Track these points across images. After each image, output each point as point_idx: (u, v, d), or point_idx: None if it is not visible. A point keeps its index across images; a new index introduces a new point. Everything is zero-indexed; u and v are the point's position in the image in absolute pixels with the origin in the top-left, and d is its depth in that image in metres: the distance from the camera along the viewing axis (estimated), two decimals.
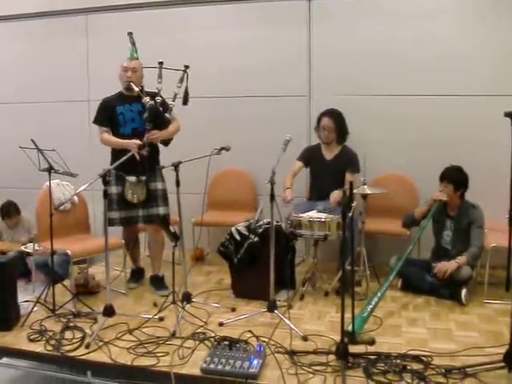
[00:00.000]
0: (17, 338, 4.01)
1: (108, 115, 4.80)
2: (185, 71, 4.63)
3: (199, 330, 4.00)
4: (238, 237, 4.72)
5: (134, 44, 4.83)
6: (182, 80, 4.61)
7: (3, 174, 7.21)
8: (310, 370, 3.38)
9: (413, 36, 5.57)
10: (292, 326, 3.94)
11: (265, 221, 4.69)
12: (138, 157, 4.50)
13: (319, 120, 5.37)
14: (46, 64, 6.88)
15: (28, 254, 6.22)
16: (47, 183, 4.91)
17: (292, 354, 3.58)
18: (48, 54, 6.87)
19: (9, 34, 7.08)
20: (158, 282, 5.00)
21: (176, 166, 4.21)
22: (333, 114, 5.33)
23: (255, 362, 3.37)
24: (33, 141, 4.52)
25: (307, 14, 5.88)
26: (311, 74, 5.92)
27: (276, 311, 4.10)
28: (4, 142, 6.98)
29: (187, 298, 4.31)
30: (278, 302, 4.23)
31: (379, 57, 5.67)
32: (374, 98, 5.70)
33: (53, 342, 3.88)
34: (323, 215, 4.65)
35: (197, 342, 3.79)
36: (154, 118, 4.62)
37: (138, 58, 4.83)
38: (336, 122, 5.30)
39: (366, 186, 4.61)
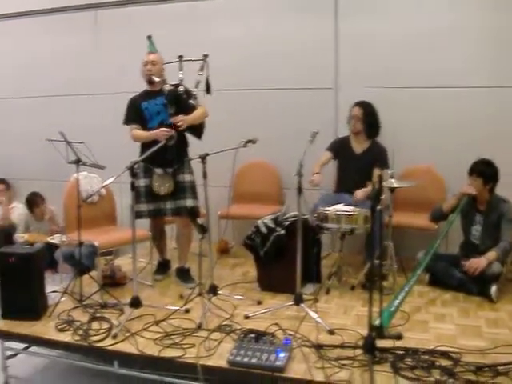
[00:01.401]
0: (45, 328, 4.05)
1: (135, 113, 4.83)
2: (204, 60, 4.62)
3: (225, 323, 3.99)
4: (264, 230, 4.71)
5: (153, 45, 4.85)
6: (202, 68, 4.61)
7: (32, 167, 7.29)
8: (336, 364, 3.35)
9: (446, 25, 5.47)
10: (318, 319, 3.92)
11: (291, 214, 4.68)
12: (168, 143, 4.49)
13: (350, 110, 5.35)
14: (74, 58, 6.93)
15: (55, 245, 6.29)
16: (75, 175, 4.95)
17: (318, 347, 3.56)
18: (74, 49, 6.92)
19: (34, 29, 7.14)
20: (184, 274, 5.02)
21: (203, 158, 4.20)
22: (363, 104, 5.32)
23: (282, 355, 3.37)
24: (61, 133, 4.54)
25: (334, 2, 5.82)
26: (338, 65, 5.87)
27: (302, 304, 4.09)
28: (33, 135, 7.03)
29: (213, 290, 4.32)
30: (304, 296, 4.21)
31: (410, 47, 5.59)
32: (403, 90, 5.64)
33: (80, 332, 3.91)
34: (350, 209, 4.62)
35: (223, 335, 3.78)
36: (174, 101, 4.62)
37: (157, 52, 4.85)
38: (365, 113, 5.27)
39: (393, 180, 4.57)
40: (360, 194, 4.96)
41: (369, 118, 5.29)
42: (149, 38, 4.81)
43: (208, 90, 4.61)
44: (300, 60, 5.96)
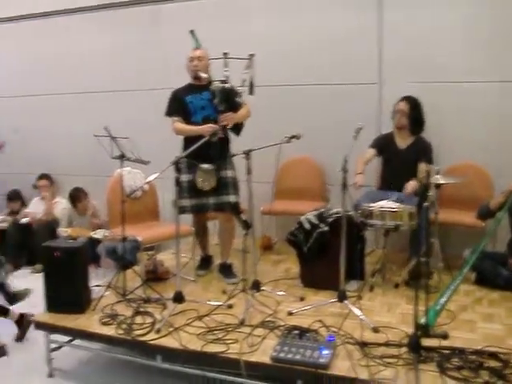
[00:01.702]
0: (89, 321, 4.10)
1: (178, 105, 4.84)
2: (250, 59, 4.61)
3: (268, 319, 3.97)
4: (307, 226, 4.67)
5: (196, 40, 4.84)
6: (248, 67, 4.59)
7: (75, 163, 7.39)
8: (381, 362, 3.31)
9: (498, 16, 5.36)
10: (362, 316, 3.88)
11: (335, 210, 4.64)
12: (212, 139, 4.47)
13: (396, 105, 5.28)
14: (119, 54, 7.01)
15: (97, 240, 6.37)
16: (119, 170, 4.98)
17: (363, 345, 3.51)
18: (123, 45, 6.98)
19: (74, 25, 7.23)
20: (226, 270, 5.02)
21: (247, 154, 4.19)
22: (409, 99, 5.24)
23: (325, 352, 3.33)
24: (106, 128, 4.58)
25: None
26: (382, 60, 5.79)
27: (346, 301, 4.05)
28: (77, 131, 7.13)
29: (257, 286, 4.31)
30: (347, 293, 4.16)
31: (457, 42, 5.49)
32: (450, 85, 5.53)
33: (124, 326, 3.94)
34: (395, 205, 4.55)
35: (266, 331, 3.76)
36: (224, 100, 4.61)
37: (202, 48, 4.86)
38: (410, 108, 5.20)
39: (439, 176, 4.49)
40: (411, 186, 4.87)
41: (414, 113, 5.21)
42: (191, 32, 4.80)
43: (251, 90, 4.59)
44: (344, 55, 5.89)
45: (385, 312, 4.18)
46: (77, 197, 7.06)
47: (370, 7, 5.77)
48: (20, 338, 4.63)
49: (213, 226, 5.45)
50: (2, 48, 7.84)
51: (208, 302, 4.29)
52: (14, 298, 5.09)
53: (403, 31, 5.67)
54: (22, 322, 4.63)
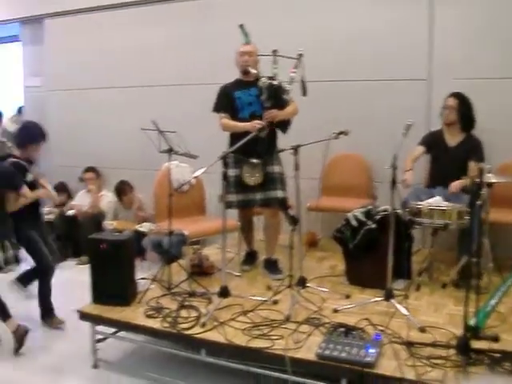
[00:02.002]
0: (134, 314, 4.13)
1: (226, 101, 4.84)
2: (299, 59, 4.58)
3: (313, 316, 3.94)
4: (354, 223, 4.62)
5: (246, 35, 4.82)
6: (296, 67, 4.57)
7: (122, 156, 7.46)
8: (428, 362, 3.24)
9: None
10: (409, 316, 3.81)
11: (382, 207, 4.58)
12: (259, 135, 4.46)
13: (445, 101, 5.17)
14: (165, 48, 7.04)
15: (142, 233, 6.41)
16: (166, 164, 5.00)
17: (409, 344, 3.45)
18: (173, 39, 7.04)
19: (130, 20, 7.30)
20: (271, 266, 5.00)
21: (295, 150, 4.17)
22: (458, 95, 5.12)
23: (372, 350, 3.29)
24: (154, 122, 4.59)
25: None
26: (432, 56, 5.70)
27: (392, 300, 3.99)
28: (124, 125, 7.20)
29: (302, 282, 4.28)
30: (393, 291, 4.10)
31: (508, 39, 5.36)
32: (501, 82, 5.41)
33: (169, 319, 3.95)
34: (444, 203, 4.48)
35: (311, 327, 3.73)
36: (271, 97, 4.60)
37: (251, 43, 4.84)
38: (459, 104, 5.08)
39: (491, 175, 4.38)
40: (456, 185, 4.78)
41: (463, 109, 5.08)
42: (241, 26, 4.78)
43: (304, 91, 4.54)
44: (393, 50, 5.83)
45: (432, 312, 4.10)
46: (122, 190, 7.13)
47: (422, 2, 5.68)
48: (16, 349, 4.45)
49: (257, 221, 5.44)
50: (59, 42, 7.96)
51: (251, 297, 4.29)
52: None
53: (454, 27, 5.57)
54: (17, 333, 4.47)
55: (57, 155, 8.08)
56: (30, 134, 4.81)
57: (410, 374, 3.13)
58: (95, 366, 4.22)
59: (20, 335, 4.42)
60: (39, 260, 4.79)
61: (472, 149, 5.00)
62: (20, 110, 9.14)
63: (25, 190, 4.55)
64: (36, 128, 4.90)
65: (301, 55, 4.48)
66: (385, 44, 5.86)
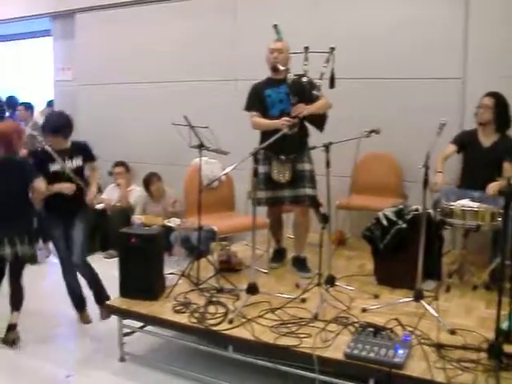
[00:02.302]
0: (162, 308, 4.14)
1: (257, 100, 4.84)
2: (330, 53, 4.56)
3: (342, 315, 3.91)
4: (385, 222, 4.57)
5: (278, 33, 4.80)
6: (327, 61, 4.55)
7: (152, 151, 7.47)
8: (458, 365, 3.19)
9: None
10: (439, 317, 3.76)
11: (413, 207, 4.53)
12: (288, 132, 4.43)
13: (480, 100, 5.08)
14: (196, 43, 7.04)
15: (170, 228, 6.43)
16: (196, 160, 5.01)
17: (439, 347, 3.40)
18: (199, 34, 7.02)
19: (161, 15, 7.31)
20: (300, 264, 4.98)
21: (327, 147, 4.14)
22: (495, 95, 5.02)
23: (401, 351, 3.25)
24: (185, 117, 4.59)
25: None
26: (467, 54, 5.62)
27: (422, 301, 3.94)
28: (155, 120, 7.22)
29: (331, 281, 4.25)
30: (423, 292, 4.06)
31: None
32: None
33: (197, 314, 3.95)
34: (476, 204, 4.41)
35: (340, 326, 3.71)
36: (298, 92, 4.58)
37: (283, 40, 4.81)
38: (495, 104, 4.98)
39: None
40: (494, 187, 4.64)
41: (499, 109, 4.99)
42: (275, 26, 4.77)
43: (332, 83, 4.53)
44: (427, 48, 5.75)
45: (462, 314, 4.04)
46: (150, 180, 7.11)
47: None
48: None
49: (286, 218, 5.42)
50: (90, 36, 8.01)
51: (278, 295, 4.27)
52: None
53: (490, 24, 5.47)
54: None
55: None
56: (45, 124, 4.84)
57: (439, 377, 3.09)
58: (122, 360, 4.24)
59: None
60: (57, 255, 4.86)
61: (507, 149, 4.91)
62: (50, 104, 9.20)
63: (37, 183, 4.45)
64: (50, 118, 4.93)
65: (333, 49, 4.46)
66: (419, 42, 5.78)
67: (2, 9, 8.72)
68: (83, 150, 4.85)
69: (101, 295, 4.82)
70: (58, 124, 4.71)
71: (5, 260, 4.44)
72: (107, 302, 4.33)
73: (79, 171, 4.75)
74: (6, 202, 4.38)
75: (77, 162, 4.75)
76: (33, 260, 5.21)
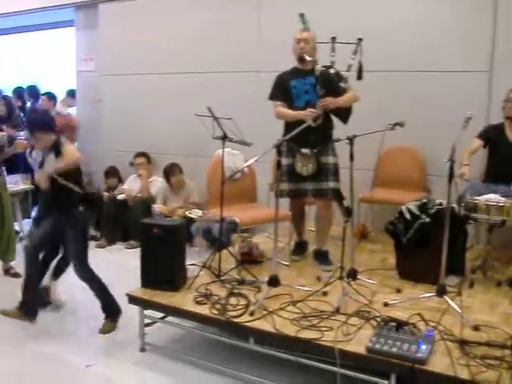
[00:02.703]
0: (183, 299, 4.15)
1: (282, 90, 4.80)
2: (358, 44, 4.51)
3: (363, 309, 3.89)
4: (408, 216, 4.52)
5: (305, 23, 4.75)
6: (355, 52, 4.51)
7: (174, 142, 7.47)
8: (482, 362, 3.15)
9: None
10: (463, 313, 3.72)
11: (438, 201, 4.48)
12: (312, 124, 4.41)
13: (507, 93, 5.01)
14: (219, 34, 7.02)
15: (191, 219, 6.43)
16: (218, 151, 4.99)
17: (463, 343, 3.36)
18: (222, 25, 7.00)
19: (184, 5, 7.27)
20: (322, 257, 4.95)
21: (351, 140, 4.11)
22: None
23: (423, 346, 3.23)
24: (209, 108, 4.57)
25: None
26: (495, 48, 5.51)
27: (445, 296, 3.89)
28: (178, 111, 7.20)
29: (353, 274, 4.22)
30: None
31: None
32: None
33: (218, 306, 3.95)
34: (502, 199, 4.35)
35: (361, 320, 3.68)
36: (326, 84, 4.55)
37: (310, 30, 4.75)
38: None
39: None
40: None
41: None
42: (301, 15, 4.72)
43: (360, 75, 4.49)
44: (452, 41, 5.67)
45: (485, 310, 3.99)
46: (171, 171, 7.11)
47: None
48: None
49: (308, 211, 5.38)
50: (113, 27, 8.02)
51: (299, 287, 4.26)
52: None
53: None
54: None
55: (108, 139, 8.17)
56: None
57: (463, 373, 3.05)
58: (142, 350, 4.25)
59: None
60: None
61: None
62: (69, 93, 9.20)
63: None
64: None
65: (360, 40, 4.41)
66: (447, 34, 5.70)
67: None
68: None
69: (107, 307, 4.68)
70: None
71: None
72: (128, 293, 4.32)
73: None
74: None
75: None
76: None
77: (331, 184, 4.72)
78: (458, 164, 4.63)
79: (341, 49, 4.52)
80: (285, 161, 4.70)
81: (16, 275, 5.68)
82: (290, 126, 4.60)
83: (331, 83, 4.55)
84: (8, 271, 5.88)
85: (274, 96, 4.86)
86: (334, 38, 4.52)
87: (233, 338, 3.92)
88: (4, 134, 6.18)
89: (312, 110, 4.53)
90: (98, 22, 8.14)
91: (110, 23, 8.00)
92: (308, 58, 4.62)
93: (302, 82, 4.73)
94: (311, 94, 4.69)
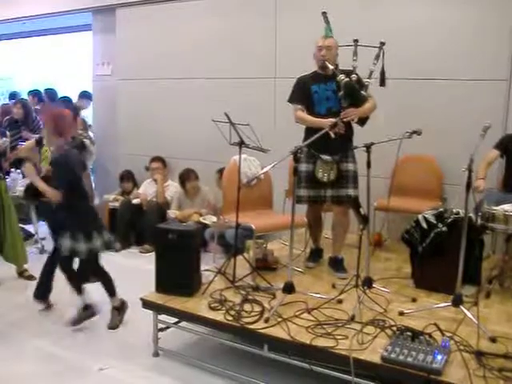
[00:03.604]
0: (198, 305, 4.14)
1: (303, 93, 4.78)
2: (380, 48, 4.49)
3: (378, 317, 3.86)
4: (424, 225, 4.50)
5: (328, 23, 4.74)
6: (377, 57, 4.49)
7: (190, 147, 7.48)
8: (500, 375, 3.10)
9: None
10: (479, 324, 3.67)
11: (455, 210, 4.45)
12: (332, 135, 4.39)
13: None
14: (236, 39, 7.03)
15: (205, 225, 6.43)
16: (234, 157, 4.99)
17: (480, 354, 3.32)
18: (239, 30, 7.01)
19: (201, 10, 7.29)
20: (337, 264, 4.92)
21: (368, 147, 4.10)
22: None
23: (439, 357, 3.18)
24: (226, 114, 4.57)
25: None
26: None
27: (461, 306, 3.85)
28: (195, 116, 7.22)
29: (369, 283, 4.20)
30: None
31: None
32: None
33: (233, 312, 3.94)
34: None
35: (377, 329, 3.65)
36: (350, 95, 4.52)
37: (332, 37, 4.74)
38: None
39: None
40: None
41: None
42: (324, 14, 4.69)
43: (383, 81, 4.46)
44: (471, 49, 5.63)
45: (503, 321, 3.94)
46: (187, 176, 7.12)
47: None
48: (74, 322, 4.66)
49: (324, 218, 5.36)
50: (130, 31, 8.06)
51: (311, 294, 4.24)
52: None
53: None
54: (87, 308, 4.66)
55: (124, 144, 8.20)
56: None
57: None
58: (156, 355, 4.24)
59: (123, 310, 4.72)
60: None
61: None
62: (82, 95, 9.17)
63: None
64: None
65: (383, 43, 4.39)
66: (466, 42, 5.67)
67: (42, 3, 8.81)
68: None
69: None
70: None
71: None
72: (142, 297, 4.31)
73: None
74: None
75: None
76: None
77: (351, 191, 4.71)
78: (475, 175, 4.61)
79: (362, 53, 4.50)
80: (304, 167, 4.70)
81: (30, 278, 5.69)
82: (310, 131, 4.57)
83: (355, 94, 4.53)
84: (22, 274, 5.87)
85: (294, 99, 4.84)
86: (356, 41, 4.50)
87: (247, 344, 3.90)
88: (6, 139, 6.21)
89: (333, 119, 4.43)
90: (115, 27, 8.18)
91: (127, 28, 8.04)
92: (330, 67, 4.59)
93: (323, 87, 4.71)
94: (332, 100, 4.68)
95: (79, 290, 4.60)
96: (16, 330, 4.66)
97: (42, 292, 5.00)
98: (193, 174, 7.11)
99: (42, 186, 4.46)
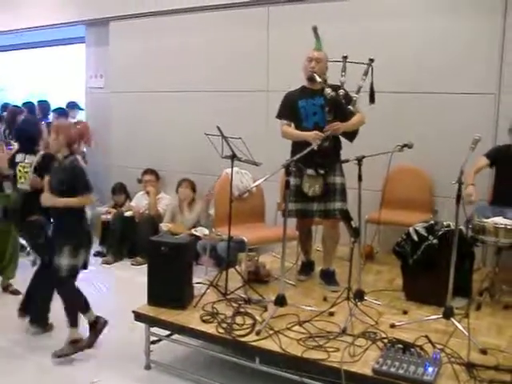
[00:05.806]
0: (190, 318, 4.14)
1: (290, 109, 4.81)
2: (369, 65, 4.52)
3: (370, 330, 3.87)
4: (415, 237, 4.52)
5: (318, 38, 4.77)
6: (366, 73, 4.52)
7: (182, 160, 7.50)
8: None
9: None
10: (470, 336, 3.68)
11: (445, 223, 4.48)
12: (315, 147, 4.40)
13: None
14: (228, 53, 7.06)
15: (197, 237, 6.43)
16: (226, 170, 5.01)
17: (470, 366, 3.34)
18: (231, 45, 7.04)
19: (193, 24, 7.33)
20: (329, 277, 4.93)
21: (359, 161, 4.12)
22: None
23: (430, 369, 3.21)
24: (218, 128, 4.59)
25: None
26: (503, 69, 5.50)
27: (452, 319, 3.87)
28: (187, 129, 7.24)
29: (360, 295, 4.21)
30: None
31: None
32: None
33: (224, 325, 3.94)
34: (510, 222, 4.34)
35: (368, 341, 3.67)
36: (335, 109, 4.54)
37: (321, 48, 4.77)
38: None
39: None
40: None
41: None
42: (314, 29, 4.72)
43: (372, 98, 4.49)
44: (460, 62, 5.67)
45: (493, 333, 3.96)
46: (181, 183, 7.13)
47: (494, 11, 5.49)
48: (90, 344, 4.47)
49: (314, 231, 5.38)
50: (123, 44, 8.09)
51: (303, 307, 4.25)
52: None
53: None
54: (95, 327, 4.49)
55: (117, 156, 8.21)
56: None
57: None
58: (148, 367, 4.24)
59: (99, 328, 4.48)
60: None
61: None
62: (68, 106, 9.17)
63: None
64: None
65: (372, 60, 4.42)
66: (454, 56, 5.71)
67: (36, 16, 8.84)
68: None
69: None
70: None
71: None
72: (134, 309, 4.29)
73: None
74: None
75: None
76: None
77: (338, 204, 4.71)
78: (465, 184, 4.64)
79: (352, 69, 4.53)
80: (292, 181, 4.68)
81: (15, 292, 5.57)
82: (297, 145, 4.61)
83: (340, 108, 4.55)
84: (7, 288, 5.73)
85: (281, 115, 4.87)
86: (345, 58, 4.51)
87: (239, 357, 3.89)
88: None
89: (317, 133, 4.51)
90: (108, 40, 8.21)
91: (120, 40, 8.07)
92: (318, 79, 4.59)
93: (310, 102, 4.73)
94: (319, 115, 4.69)
95: (85, 310, 4.45)
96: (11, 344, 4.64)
97: (29, 309, 4.85)
98: (187, 182, 7.12)
99: (68, 200, 4.25)
